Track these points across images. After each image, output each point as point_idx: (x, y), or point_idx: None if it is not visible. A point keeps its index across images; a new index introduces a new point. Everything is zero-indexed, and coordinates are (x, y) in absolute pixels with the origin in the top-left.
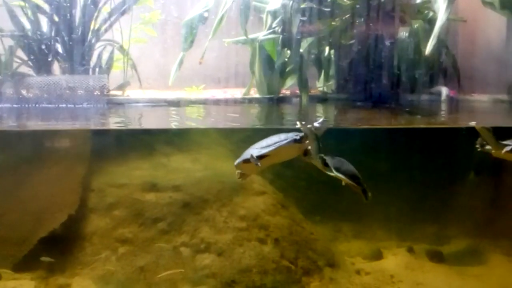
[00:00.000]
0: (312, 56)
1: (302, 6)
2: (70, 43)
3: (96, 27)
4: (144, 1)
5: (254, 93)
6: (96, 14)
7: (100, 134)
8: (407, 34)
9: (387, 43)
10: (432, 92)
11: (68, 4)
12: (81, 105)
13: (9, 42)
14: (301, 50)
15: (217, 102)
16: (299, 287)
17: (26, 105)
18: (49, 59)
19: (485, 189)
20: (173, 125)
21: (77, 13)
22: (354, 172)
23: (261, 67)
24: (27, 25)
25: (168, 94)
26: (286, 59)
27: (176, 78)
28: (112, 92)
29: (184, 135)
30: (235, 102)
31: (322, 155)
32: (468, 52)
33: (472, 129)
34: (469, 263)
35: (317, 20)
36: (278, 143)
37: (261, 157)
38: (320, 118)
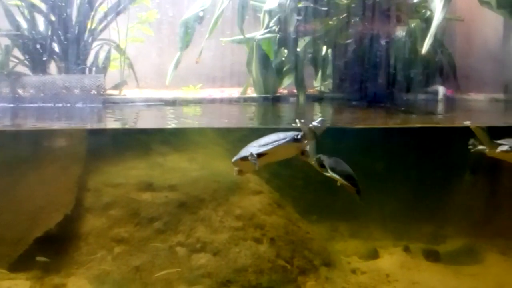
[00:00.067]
0: (309, 55)
1: (299, 5)
2: (66, 42)
3: (92, 27)
4: (141, 0)
5: (251, 93)
6: (92, 13)
7: (96, 133)
8: (404, 33)
9: (383, 42)
10: (429, 91)
11: (65, 4)
12: (77, 105)
13: (5, 41)
14: (298, 50)
15: (212, 101)
16: (295, 286)
17: (22, 105)
18: (46, 59)
19: (481, 188)
20: (170, 124)
21: (74, 12)
22: (349, 172)
23: (258, 66)
24: (24, 24)
25: (165, 93)
26: (283, 59)
27: (173, 77)
28: (108, 92)
29: (181, 134)
30: (230, 101)
31: (319, 155)
32: (465, 51)
33: (468, 128)
34: (465, 262)
35: (314, 19)
36: (277, 142)
37: (259, 155)
38: (319, 118)
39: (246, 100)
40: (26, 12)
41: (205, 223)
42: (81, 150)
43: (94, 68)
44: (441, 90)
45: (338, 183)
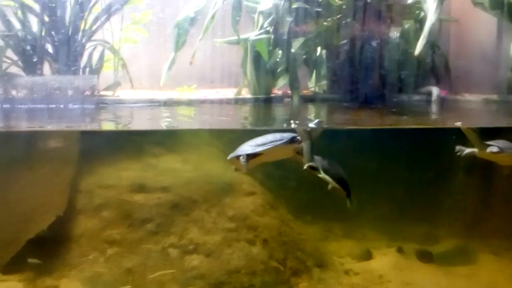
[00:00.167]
0: (304, 56)
1: (294, 6)
2: (60, 43)
3: (86, 27)
4: (135, 1)
5: (246, 93)
6: (86, 14)
7: (89, 134)
8: (397, 35)
9: (374, 43)
10: (423, 92)
11: (57, 4)
12: (70, 106)
13: None
14: (292, 50)
15: (203, 102)
16: (288, 287)
17: (15, 106)
18: (39, 59)
19: (474, 189)
20: (163, 125)
21: (67, 13)
22: (342, 176)
23: (253, 67)
24: (17, 25)
25: (160, 94)
26: (277, 59)
27: (167, 78)
28: (102, 93)
29: (174, 135)
30: (221, 102)
31: (314, 157)
32: (460, 52)
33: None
34: (458, 263)
35: (308, 20)
36: (273, 143)
37: (255, 155)
38: (316, 119)
39: (238, 101)
40: (19, 12)
41: (198, 225)
42: (74, 152)
43: (87, 69)
44: (435, 91)
45: (329, 187)
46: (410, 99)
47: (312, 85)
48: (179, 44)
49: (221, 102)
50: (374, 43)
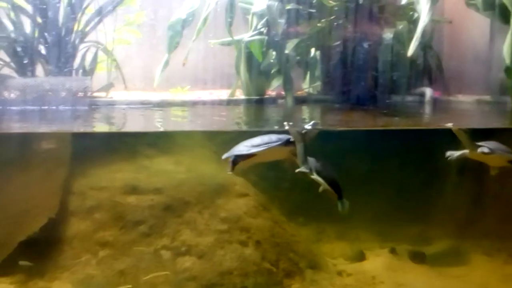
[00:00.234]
0: (297, 57)
1: (288, 7)
2: (52, 44)
3: (79, 28)
4: (129, 2)
5: (240, 95)
6: (79, 15)
7: (81, 136)
8: (391, 36)
9: (367, 45)
10: (416, 93)
11: (49, 6)
12: (63, 107)
13: None
14: (286, 52)
15: (197, 103)
16: None
17: (7, 107)
18: (32, 61)
19: (467, 190)
20: (157, 126)
21: (60, 14)
22: (334, 178)
23: (247, 68)
24: (10, 26)
25: (153, 95)
26: (272, 61)
27: (161, 79)
28: (96, 94)
29: (167, 137)
30: (213, 103)
31: (307, 158)
32: (453, 53)
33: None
34: (450, 264)
35: (302, 21)
36: (268, 144)
37: (248, 156)
38: (311, 121)
39: (231, 102)
40: (11, 14)
41: (191, 226)
42: (66, 153)
43: (80, 70)
44: (428, 92)
45: (320, 189)
46: (403, 100)
47: (306, 86)
48: (173, 45)
49: (214, 103)
50: (367, 45)
